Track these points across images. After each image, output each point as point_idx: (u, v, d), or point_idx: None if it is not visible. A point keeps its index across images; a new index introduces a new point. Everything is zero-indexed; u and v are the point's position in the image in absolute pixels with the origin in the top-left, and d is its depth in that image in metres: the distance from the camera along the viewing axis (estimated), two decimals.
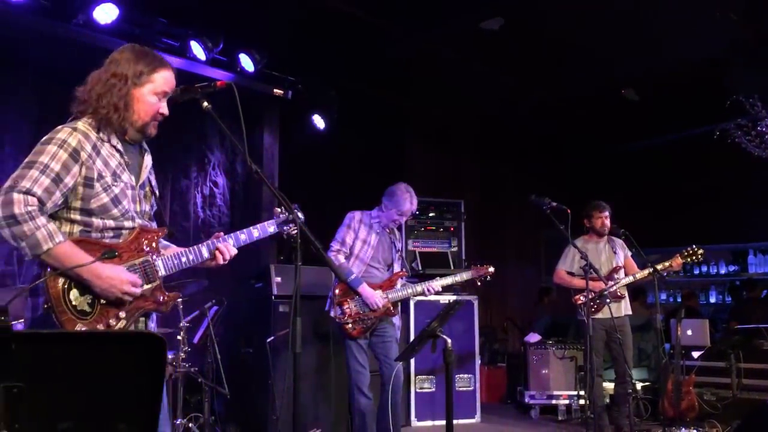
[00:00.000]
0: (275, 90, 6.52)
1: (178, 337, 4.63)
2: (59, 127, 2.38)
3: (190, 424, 4.82)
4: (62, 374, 1.55)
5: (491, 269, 5.05)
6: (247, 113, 2.66)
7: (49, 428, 1.55)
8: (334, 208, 6.06)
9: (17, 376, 1.46)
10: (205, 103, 2.64)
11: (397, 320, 4.92)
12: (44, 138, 2.35)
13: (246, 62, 6.11)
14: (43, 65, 5.22)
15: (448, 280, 4.93)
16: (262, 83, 6.40)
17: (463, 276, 5.03)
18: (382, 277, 4.83)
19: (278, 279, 5.44)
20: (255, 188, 6.73)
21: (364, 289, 4.64)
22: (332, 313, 4.73)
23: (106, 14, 5.02)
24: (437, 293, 5.01)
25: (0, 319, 1.38)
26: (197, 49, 5.71)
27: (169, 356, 4.49)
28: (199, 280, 5.00)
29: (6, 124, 5.12)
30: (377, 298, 4.64)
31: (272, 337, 5.15)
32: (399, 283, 4.87)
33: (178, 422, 4.61)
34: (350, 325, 4.64)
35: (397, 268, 4.93)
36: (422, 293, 4.85)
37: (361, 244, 4.76)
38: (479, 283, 5.10)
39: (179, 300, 4.70)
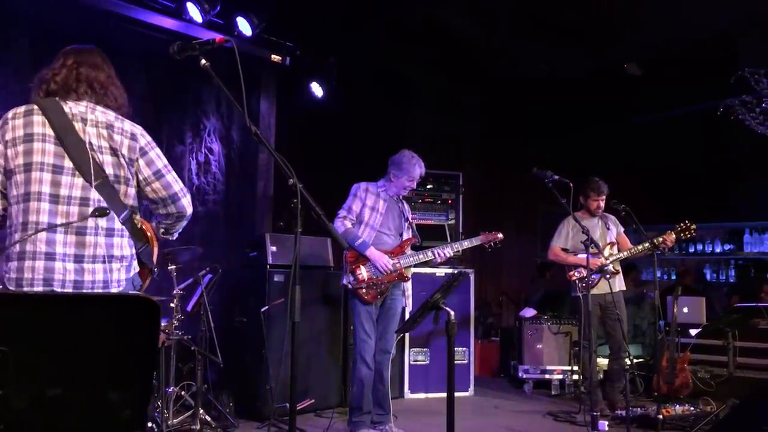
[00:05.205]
0: (273, 56, 6.39)
1: (171, 305, 4.55)
2: None
3: (183, 392, 4.79)
4: (49, 338, 1.47)
5: (500, 235, 5.06)
6: (244, 79, 2.57)
7: (37, 395, 1.47)
8: (332, 179, 5.97)
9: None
10: (203, 61, 2.55)
11: (408, 287, 4.93)
12: None
13: (243, 26, 5.95)
14: (37, 23, 5.05)
15: (462, 245, 4.97)
16: (259, 48, 6.27)
17: (473, 241, 5.04)
18: (393, 244, 4.84)
19: (273, 248, 5.40)
20: (251, 156, 6.60)
21: (372, 252, 4.65)
22: (344, 281, 4.71)
23: None
24: (441, 263, 5.07)
25: None
26: (194, 11, 5.56)
27: (162, 323, 4.42)
28: (193, 248, 4.93)
29: None
30: (385, 259, 4.66)
31: (267, 307, 5.10)
32: (409, 249, 4.87)
33: (170, 390, 4.56)
34: (364, 290, 4.64)
35: (407, 235, 4.93)
36: (434, 258, 4.84)
37: (369, 211, 4.77)
38: (489, 249, 5.09)
39: (173, 267, 4.63)
